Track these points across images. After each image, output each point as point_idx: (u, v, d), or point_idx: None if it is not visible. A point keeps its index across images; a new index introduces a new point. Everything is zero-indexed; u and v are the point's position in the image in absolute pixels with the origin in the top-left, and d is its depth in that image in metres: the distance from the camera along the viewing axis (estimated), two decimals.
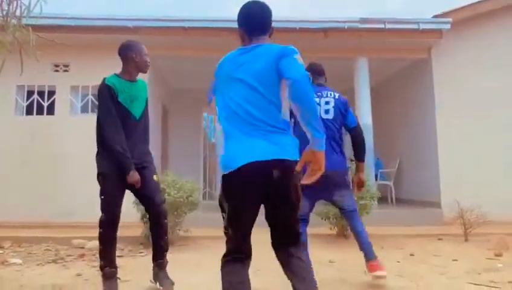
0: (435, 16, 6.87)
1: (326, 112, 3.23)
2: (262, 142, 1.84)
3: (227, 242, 2.01)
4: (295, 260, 1.93)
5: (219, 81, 2.01)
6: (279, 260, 1.98)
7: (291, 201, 1.91)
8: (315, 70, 3.37)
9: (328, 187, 3.15)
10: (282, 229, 1.97)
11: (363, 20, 6.65)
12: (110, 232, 2.86)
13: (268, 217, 1.98)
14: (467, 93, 7.00)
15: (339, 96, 3.31)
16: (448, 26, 6.65)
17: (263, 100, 1.86)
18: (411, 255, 4.37)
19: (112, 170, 2.86)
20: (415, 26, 6.69)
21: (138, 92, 3.04)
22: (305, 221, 3.17)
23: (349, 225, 3.34)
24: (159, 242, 3.00)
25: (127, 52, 3.02)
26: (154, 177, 3.02)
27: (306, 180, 1.84)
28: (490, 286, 3.10)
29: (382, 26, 6.64)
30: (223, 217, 2.01)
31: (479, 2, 6.89)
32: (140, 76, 3.14)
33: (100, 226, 2.84)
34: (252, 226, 1.95)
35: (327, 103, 3.24)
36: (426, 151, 7.35)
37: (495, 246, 4.61)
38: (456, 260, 4.06)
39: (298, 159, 1.86)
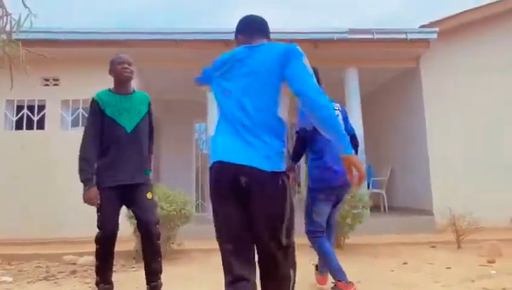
0: (422, 26, 6.98)
1: None
2: (238, 142, 1.71)
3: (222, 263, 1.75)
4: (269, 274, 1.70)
5: (217, 73, 1.95)
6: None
7: (268, 223, 1.66)
8: (317, 78, 3.37)
9: (338, 200, 3.22)
10: (265, 264, 1.70)
11: (352, 31, 6.74)
12: (107, 249, 2.81)
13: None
14: (456, 101, 7.10)
15: (341, 106, 3.44)
16: (435, 35, 6.76)
17: (261, 97, 1.74)
18: (405, 263, 4.38)
19: (111, 183, 2.85)
20: (402, 36, 6.79)
21: (131, 104, 2.99)
22: (321, 233, 3.19)
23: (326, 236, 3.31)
24: (150, 264, 2.89)
25: (109, 68, 3.07)
26: (148, 195, 2.92)
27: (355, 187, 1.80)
28: None
29: (371, 36, 6.73)
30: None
31: (464, 12, 7.02)
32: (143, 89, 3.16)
33: (96, 242, 2.80)
34: (246, 240, 1.70)
35: (337, 116, 3.26)
36: (417, 159, 7.41)
37: (488, 252, 4.64)
38: (449, 268, 4.07)
39: (276, 171, 1.67)
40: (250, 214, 1.69)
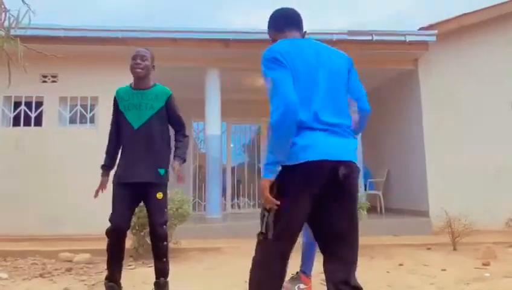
0: (421, 28, 7.00)
1: None
2: (343, 141, 1.79)
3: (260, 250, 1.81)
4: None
5: (294, 64, 1.78)
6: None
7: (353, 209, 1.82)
8: None
9: None
10: (343, 248, 1.79)
11: (351, 32, 6.76)
12: (114, 243, 2.80)
13: (323, 229, 1.80)
14: (454, 103, 7.13)
15: None
16: (433, 38, 6.79)
17: (342, 98, 1.89)
18: (400, 265, 4.40)
19: (122, 180, 2.86)
20: (401, 38, 6.81)
21: (142, 100, 2.93)
22: None
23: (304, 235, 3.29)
24: (157, 264, 2.92)
25: None
26: (158, 195, 2.85)
27: None
28: None
29: (369, 38, 6.75)
30: (263, 219, 1.78)
31: (462, 15, 7.05)
32: (163, 82, 3.13)
33: (106, 235, 2.81)
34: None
35: None
36: (414, 161, 7.43)
37: (483, 255, 4.66)
38: (444, 270, 4.09)
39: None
40: (334, 203, 1.77)
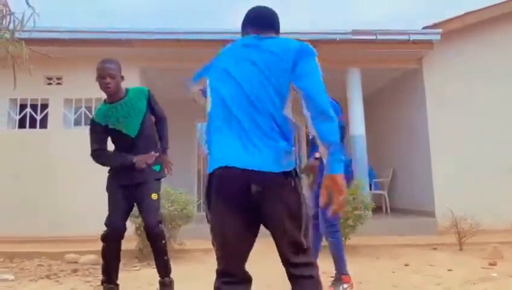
0: (425, 27, 6.97)
1: None
2: (239, 144, 1.58)
3: (216, 259, 1.73)
4: (302, 280, 1.61)
5: (217, 65, 1.80)
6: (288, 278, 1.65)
7: (284, 226, 1.58)
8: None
9: None
10: (283, 244, 1.62)
11: (355, 32, 6.73)
12: (110, 247, 2.80)
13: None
14: (459, 102, 7.08)
15: (333, 100, 3.52)
16: (438, 37, 6.75)
17: (267, 89, 1.62)
18: (406, 265, 4.37)
19: (115, 184, 2.88)
20: (405, 37, 6.78)
21: (128, 108, 2.93)
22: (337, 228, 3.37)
23: None
24: (158, 263, 2.93)
25: None
26: (153, 196, 2.89)
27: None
28: None
29: (373, 37, 6.72)
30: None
31: (467, 13, 7.01)
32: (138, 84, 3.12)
33: (101, 240, 2.81)
34: (245, 247, 1.67)
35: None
36: (419, 161, 7.39)
37: (489, 255, 4.63)
38: (451, 270, 4.06)
39: (287, 171, 1.58)
40: (264, 219, 1.63)
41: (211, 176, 1.65)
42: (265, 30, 1.83)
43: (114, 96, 2.94)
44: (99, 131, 2.94)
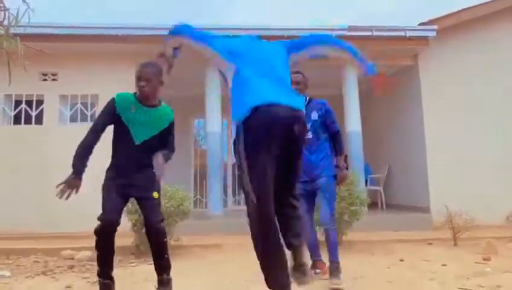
0: (421, 24, 6.98)
1: None
2: (283, 88, 2.14)
3: (253, 222, 2.00)
4: (295, 216, 2.11)
5: (241, 46, 2.42)
6: (282, 214, 2.07)
7: (297, 172, 2.17)
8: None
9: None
10: (292, 180, 2.14)
11: (351, 28, 6.74)
12: (104, 241, 2.78)
13: (280, 170, 2.04)
14: (454, 98, 7.12)
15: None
16: (434, 33, 6.77)
17: (285, 67, 2.34)
18: (401, 260, 4.40)
19: (111, 179, 2.87)
20: (401, 34, 6.80)
21: (148, 119, 2.89)
22: None
23: None
24: (158, 262, 2.91)
25: None
26: (154, 195, 2.88)
27: None
28: None
29: (369, 33, 6.74)
30: (244, 187, 2.01)
31: (463, 10, 7.03)
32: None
33: (95, 234, 2.80)
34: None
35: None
36: (415, 156, 7.43)
37: (484, 250, 4.67)
38: (445, 265, 4.09)
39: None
40: (291, 151, 2.09)
41: (257, 110, 1.99)
42: None
43: (147, 100, 2.90)
44: (111, 114, 2.87)
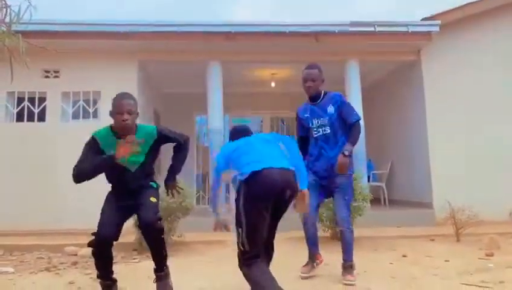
0: (424, 19, 6.94)
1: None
2: (284, 158, 2.65)
3: (243, 253, 2.57)
4: (271, 257, 2.84)
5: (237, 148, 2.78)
6: (266, 253, 2.72)
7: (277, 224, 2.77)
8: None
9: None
10: (276, 226, 2.78)
11: (354, 24, 6.71)
12: (100, 252, 2.75)
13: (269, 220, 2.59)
14: (457, 94, 7.08)
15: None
16: (437, 28, 6.73)
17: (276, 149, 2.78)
18: (404, 256, 4.40)
19: (113, 200, 2.89)
20: (404, 29, 6.76)
21: (132, 146, 2.81)
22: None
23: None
24: (157, 258, 2.90)
25: (111, 108, 2.84)
26: (152, 199, 2.87)
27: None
28: (482, 286, 3.13)
29: (372, 29, 6.70)
30: (239, 233, 2.55)
31: (466, 4, 6.98)
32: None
33: (88, 246, 2.78)
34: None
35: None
36: (417, 152, 7.41)
37: (486, 246, 4.66)
38: (448, 261, 4.09)
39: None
40: (278, 210, 2.64)
41: (255, 174, 2.46)
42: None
43: (129, 132, 2.83)
44: (94, 151, 2.80)
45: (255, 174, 2.44)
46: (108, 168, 2.82)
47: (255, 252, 2.48)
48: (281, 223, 2.78)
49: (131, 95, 2.91)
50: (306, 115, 3.61)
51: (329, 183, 3.47)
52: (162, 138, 3.00)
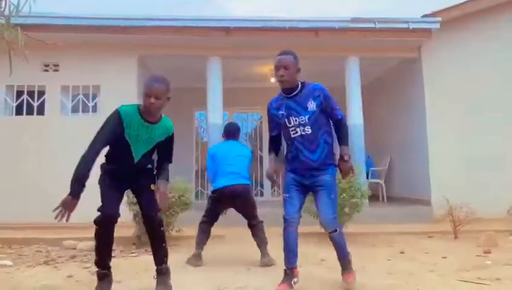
0: (425, 16, 6.93)
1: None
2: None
3: (203, 222, 4.18)
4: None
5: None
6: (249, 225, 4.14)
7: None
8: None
9: None
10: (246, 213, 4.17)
11: (354, 20, 6.69)
12: (104, 231, 2.79)
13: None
14: (456, 91, 7.09)
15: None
16: (437, 25, 6.72)
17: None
18: (401, 252, 4.42)
19: (110, 173, 2.89)
20: (405, 26, 6.75)
21: (149, 135, 2.84)
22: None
23: None
24: (157, 250, 2.94)
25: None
26: (151, 186, 2.89)
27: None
28: (479, 283, 3.14)
29: (372, 25, 6.69)
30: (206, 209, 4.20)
31: (467, 2, 6.96)
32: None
33: (95, 224, 2.82)
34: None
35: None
36: (416, 149, 7.42)
37: (484, 243, 4.67)
38: (445, 257, 4.10)
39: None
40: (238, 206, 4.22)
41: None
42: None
43: (153, 116, 2.82)
44: (116, 128, 2.75)
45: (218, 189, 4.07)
46: (117, 148, 2.84)
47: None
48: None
49: (166, 79, 2.83)
50: (281, 112, 3.05)
51: (310, 182, 3.04)
52: (168, 142, 2.99)
